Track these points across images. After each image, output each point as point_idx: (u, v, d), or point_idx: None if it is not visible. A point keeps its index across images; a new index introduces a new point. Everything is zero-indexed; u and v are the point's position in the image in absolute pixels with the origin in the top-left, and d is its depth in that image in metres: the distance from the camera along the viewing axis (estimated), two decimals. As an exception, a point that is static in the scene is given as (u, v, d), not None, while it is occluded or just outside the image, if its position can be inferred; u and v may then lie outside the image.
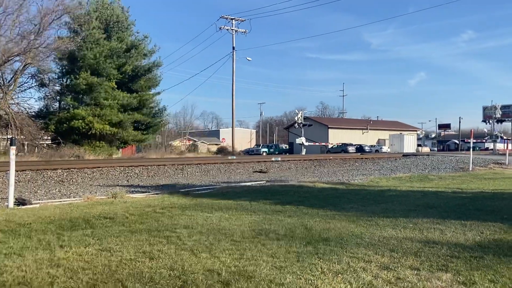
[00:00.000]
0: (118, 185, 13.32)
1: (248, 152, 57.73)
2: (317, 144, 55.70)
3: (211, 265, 4.23)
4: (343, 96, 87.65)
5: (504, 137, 48.32)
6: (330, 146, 55.88)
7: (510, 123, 64.24)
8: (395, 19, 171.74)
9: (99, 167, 16.85)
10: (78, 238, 5.47)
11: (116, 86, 32.83)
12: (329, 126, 62.04)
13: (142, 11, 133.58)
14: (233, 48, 43.98)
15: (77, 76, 30.72)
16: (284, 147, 64.72)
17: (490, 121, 47.90)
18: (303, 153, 41.44)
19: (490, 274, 3.91)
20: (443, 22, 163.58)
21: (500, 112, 46.29)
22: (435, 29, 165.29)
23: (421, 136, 77.87)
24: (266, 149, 59.65)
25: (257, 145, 71.12)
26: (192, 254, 4.66)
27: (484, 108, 53.67)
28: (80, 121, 30.42)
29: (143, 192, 10.99)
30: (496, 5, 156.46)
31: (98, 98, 31.43)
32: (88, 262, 4.38)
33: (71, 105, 32.19)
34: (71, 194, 10.56)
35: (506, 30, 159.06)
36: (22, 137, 26.72)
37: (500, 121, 49.19)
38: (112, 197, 9.38)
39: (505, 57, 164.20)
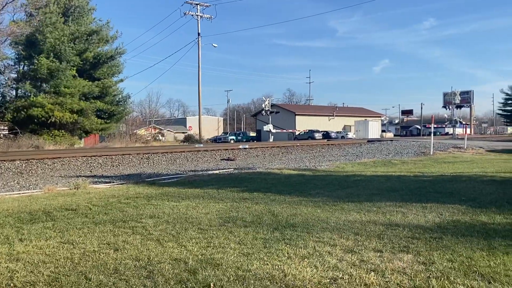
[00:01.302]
0: (80, 175, 12.94)
1: (215, 140, 57.46)
2: (284, 131, 56.13)
3: (177, 254, 4.18)
4: (310, 83, 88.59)
5: (463, 122, 50.46)
6: (297, 133, 56.46)
7: (469, 108, 67.05)
8: (360, 6, 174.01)
9: (60, 158, 16.28)
10: (39, 231, 5.27)
11: (76, 74, 31.58)
12: (296, 113, 62.57)
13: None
14: (199, 34, 43.35)
15: (35, 62, 29.27)
16: (251, 135, 64.85)
17: (450, 107, 49.77)
18: (271, 140, 41.67)
19: (449, 253, 4.08)
20: (406, 9, 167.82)
21: (459, 98, 48.20)
22: (399, 17, 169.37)
23: (385, 122, 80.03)
24: (233, 137, 59.54)
25: (225, 132, 70.84)
26: (158, 243, 4.59)
27: (444, 94, 55.65)
28: (40, 109, 29.08)
29: (107, 183, 10.72)
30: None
31: (58, 86, 30.13)
32: (49, 256, 4.23)
33: (30, 93, 30.76)
34: (31, 186, 10.17)
35: (466, 18, 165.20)
36: (-24, 127, 25.35)
37: (459, 106, 51.24)
38: (75, 188, 9.10)
39: (465, 45, 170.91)
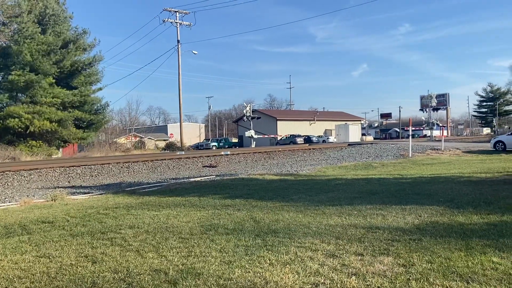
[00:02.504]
0: (58, 187, 12.65)
1: (197, 147, 57.09)
2: (266, 136, 56.25)
3: (158, 265, 4.11)
4: (290, 88, 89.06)
5: (440, 124, 51.52)
6: (279, 138, 56.62)
7: (445, 111, 68.40)
8: (338, 13, 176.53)
9: (37, 169, 15.89)
10: (14, 245, 5.12)
11: (54, 82, 30.94)
12: (277, 118, 62.79)
13: (82, 3, 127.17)
14: (178, 41, 43.13)
15: (11, 73, 28.60)
16: (234, 141, 64.71)
17: (427, 110, 50.82)
18: (253, 146, 41.68)
19: (428, 255, 4.13)
20: (382, 16, 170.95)
21: (436, 101, 49.32)
22: (375, 23, 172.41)
23: (365, 125, 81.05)
24: (215, 143, 59.29)
25: (207, 139, 70.45)
26: (138, 254, 4.51)
27: (421, 97, 56.74)
28: (16, 119, 28.38)
29: (85, 193, 10.51)
30: None
31: (35, 96, 29.49)
32: (25, 270, 4.11)
33: (6, 104, 29.99)
34: (6, 199, 9.89)
35: (440, 23, 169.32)
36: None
37: (435, 109, 52.39)
38: (52, 200, 8.88)
39: (440, 49, 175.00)
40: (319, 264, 3.99)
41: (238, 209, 7.12)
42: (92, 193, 10.58)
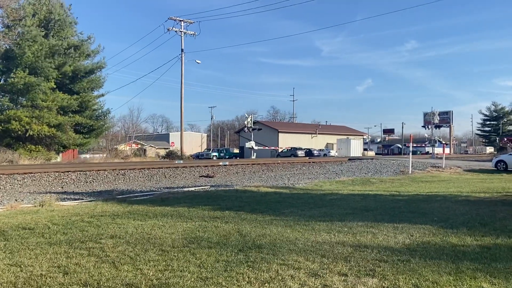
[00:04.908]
0: (50, 192, 12.47)
1: (198, 156, 56.96)
2: (267, 148, 56.07)
3: (131, 279, 3.92)
4: (293, 101, 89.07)
5: (443, 142, 51.22)
6: (280, 150, 56.45)
7: (448, 128, 68.23)
8: (344, 28, 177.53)
9: (31, 173, 15.73)
10: (-13, 252, 4.93)
11: (55, 87, 30.97)
12: (279, 130, 62.70)
13: (88, 10, 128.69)
14: (182, 50, 43.34)
15: (13, 75, 28.66)
16: (235, 152, 64.55)
17: (429, 126, 50.58)
18: (253, 157, 41.51)
19: (415, 278, 3.92)
20: (388, 32, 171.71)
21: (438, 118, 49.09)
22: (381, 39, 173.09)
23: (367, 140, 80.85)
24: (216, 153, 59.14)
25: (208, 149, 70.35)
26: (113, 266, 4.32)
27: (425, 114, 56.64)
28: (16, 122, 28.33)
29: (76, 200, 10.33)
30: (436, 17, 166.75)
31: (35, 99, 29.48)
32: (-9, 280, 3.91)
33: (7, 107, 30.01)
34: (-6, 203, 9.70)
35: (446, 41, 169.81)
36: None
37: (438, 126, 52.16)
38: (39, 205, 8.70)
39: (444, 66, 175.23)
40: (299, 284, 3.78)
41: (226, 221, 6.92)
42: (83, 199, 10.40)
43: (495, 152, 63.87)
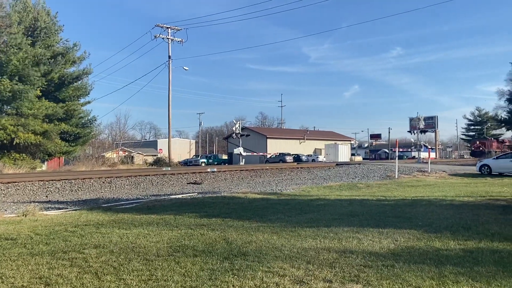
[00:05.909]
0: (34, 201, 12.28)
1: (186, 163, 56.65)
2: (255, 154, 56.07)
3: (114, 289, 3.87)
4: (282, 106, 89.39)
5: (429, 146, 51.84)
6: (268, 156, 56.50)
7: (434, 133, 68.99)
8: (331, 34, 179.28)
9: (15, 182, 15.47)
10: (-33, 264, 4.82)
11: (41, 94, 30.59)
12: (267, 136, 62.80)
13: (74, 17, 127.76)
14: (169, 57, 43.21)
15: (-3, 83, 28.17)
16: (223, 158, 64.41)
17: (415, 131, 51.20)
18: (242, 163, 41.44)
19: (398, 283, 3.94)
20: (374, 39, 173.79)
21: (424, 123, 49.74)
22: (367, 45, 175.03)
23: (355, 145, 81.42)
24: (205, 160, 58.95)
25: (196, 155, 70.08)
26: (95, 277, 4.26)
27: (410, 119, 57.29)
28: (2, 131, 27.91)
29: (60, 209, 10.19)
30: (421, 24, 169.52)
31: (20, 107, 29.06)
32: (-30, 293, 3.83)
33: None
34: (-24, 213, 9.50)
35: (431, 48, 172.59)
36: None
37: (423, 131, 52.83)
38: (23, 215, 8.56)
39: (429, 72, 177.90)
40: (284, 291, 3.78)
41: (213, 229, 6.89)
42: (67, 208, 10.25)
43: (470, 157, 64.72)
